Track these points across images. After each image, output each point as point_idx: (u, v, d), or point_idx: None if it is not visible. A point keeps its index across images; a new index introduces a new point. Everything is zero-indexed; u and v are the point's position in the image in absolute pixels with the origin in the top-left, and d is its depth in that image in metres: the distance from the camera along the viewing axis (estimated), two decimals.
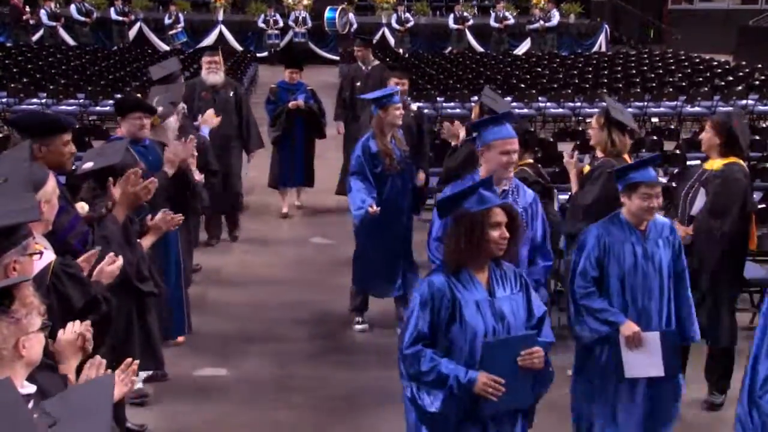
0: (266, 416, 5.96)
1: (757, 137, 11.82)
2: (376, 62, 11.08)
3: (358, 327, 7.40)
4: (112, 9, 25.94)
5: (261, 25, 27.15)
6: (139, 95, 9.52)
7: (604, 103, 16.11)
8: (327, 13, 25.94)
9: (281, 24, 27.10)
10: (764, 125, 13.69)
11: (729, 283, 6.08)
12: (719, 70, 20.32)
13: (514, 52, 26.21)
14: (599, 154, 6.14)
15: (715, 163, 5.95)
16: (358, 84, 10.71)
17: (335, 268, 8.88)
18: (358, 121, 9.57)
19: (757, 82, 18.13)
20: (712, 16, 29.85)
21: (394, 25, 27.34)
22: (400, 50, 25.60)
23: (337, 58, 25.58)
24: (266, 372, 6.66)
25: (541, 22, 27.27)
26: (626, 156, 6.08)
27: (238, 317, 7.70)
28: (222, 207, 9.22)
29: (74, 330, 3.34)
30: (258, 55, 26.34)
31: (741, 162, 6.02)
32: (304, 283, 8.59)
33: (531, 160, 6.54)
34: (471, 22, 27.65)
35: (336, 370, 6.72)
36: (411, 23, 27.52)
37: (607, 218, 5.03)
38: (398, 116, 7.01)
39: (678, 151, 10.88)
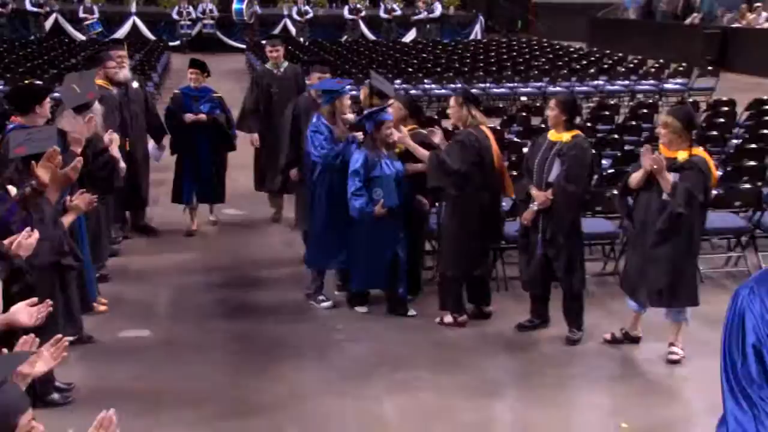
0: (187, 370, 5.87)
1: (607, 112, 12.23)
2: (287, 63, 9.66)
3: (325, 304, 7.03)
4: (27, 0, 24.95)
5: (175, 16, 26.60)
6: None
7: (482, 84, 16.74)
8: (235, 5, 25.69)
9: (194, 15, 26.61)
10: (612, 102, 14.18)
11: (579, 238, 6.32)
12: (575, 56, 20.88)
13: (402, 40, 26.48)
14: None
15: (564, 136, 6.14)
16: (273, 89, 9.06)
17: (246, 236, 8.85)
18: (276, 126, 8.52)
19: (606, 66, 18.74)
20: (569, 9, 30.65)
21: (295, 16, 27.24)
22: (301, 39, 25.46)
23: (244, 46, 25.51)
24: (186, 332, 6.55)
25: (425, 13, 27.77)
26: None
27: (160, 284, 7.55)
28: (128, 202, 8.41)
29: None
30: (170, 44, 25.75)
31: (582, 134, 6.27)
32: (218, 250, 8.48)
33: (416, 125, 6.92)
34: (363, 13, 27.94)
35: (252, 327, 6.65)
36: (310, 14, 27.53)
37: None
38: (348, 105, 6.97)
39: (543, 125, 11.12)
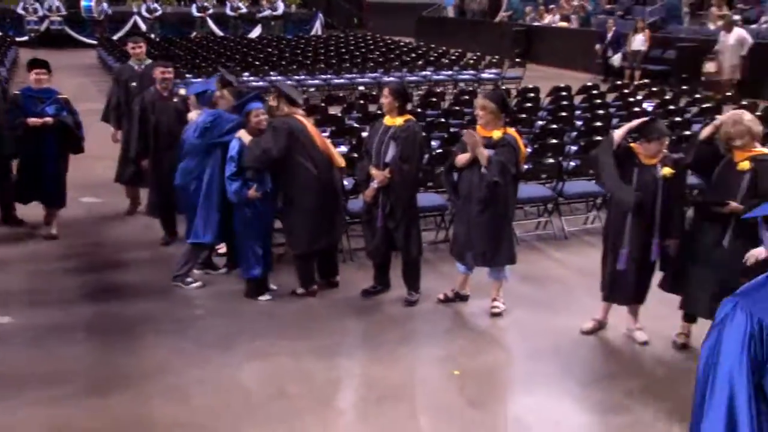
0: (51, 352, 5.55)
1: (434, 99, 12.50)
2: (149, 60, 9.06)
3: (194, 285, 6.76)
4: None
5: (20, 11, 24.88)
6: None
7: (324, 76, 16.71)
8: (83, 2, 24.41)
9: (41, 12, 24.99)
10: (438, 90, 14.53)
11: (415, 211, 6.45)
12: (405, 49, 21.20)
13: (249, 36, 25.91)
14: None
15: (397, 121, 6.23)
16: (133, 84, 8.46)
17: (106, 222, 8.46)
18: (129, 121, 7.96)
19: (432, 58, 19.18)
20: (398, 8, 31.18)
21: (144, 13, 26.14)
22: (152, 35, 24.46)
23: (95, 42, 24.28)
24: (48, 316, 6.17)
25: (269, 10, 27.34)
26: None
27: (18, 272, 7.08)
28: None
29: None
30: (18, 39, 24.04)
31: (413, 118, 6.39)
32: (78, 236, 8.02)
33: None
34: (211, 11, 27.22)
35: (115, 307, 6.36)
36: (159, 12, 26.51)
37: None
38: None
39: (379, 111, 11.22)
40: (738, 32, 16.21)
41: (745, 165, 5.19)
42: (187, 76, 15.41)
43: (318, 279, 6.72)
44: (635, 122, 5.60)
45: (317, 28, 28.70)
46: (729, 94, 14.03)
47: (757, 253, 4.92)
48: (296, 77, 16.69)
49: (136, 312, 6.28)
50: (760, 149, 5.30)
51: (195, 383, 5.17)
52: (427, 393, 5.11)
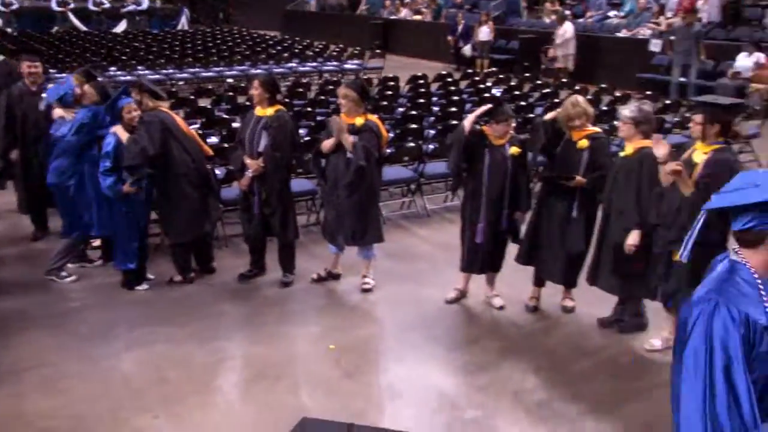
0: None
1: (301, 89, 12.38)
2: (1, 57, 8.57)
3: (68, 279, 6.44)
4: None
5: None
6: None
7: (192, 69, 16.15)
8: None
9: None
10: (305, 81, 14.43)
11: (289, 197, 6.36)
12: (272, 42, 20.86)
13: (113, 31, 24.63)
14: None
15: (268, 111, 6.12)
16: None
17: None
18: None
19: (297, 50, 18.97)
20: (264, 2, 30.53)
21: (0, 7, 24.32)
22: (8, 30, 22.79)
23: None
24: None
25: (134, 5, 26.08)
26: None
27: None
28: None
29: None
30: None
31: (283, 108, 6.30)
32: None
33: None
34: (72, 5, 25.58)
35: None
36: (15, 5, 24.72)
37: None
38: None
39: (249, 103, 10.99)
40: (567, 25, 17.04)
41: (584, 143, 5.49)
42: (51, 71, 14.52)
43: (195, 266, 6.53)
44: (482, 109, 5.76)
45: (183, 23, 27.66)
46: (564, 80, 14.73)
47: (632, 241, 5.16)
48: (164, 71, 16.09)
49: (10, 308, 5.88)
50: (593, 129, 5.61)
51: (73, 375, 4.89)
52: (305, 368, 5.08)
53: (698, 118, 4.76)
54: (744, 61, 13.78)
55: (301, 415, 3.31)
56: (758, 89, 13.23)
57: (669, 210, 4.77)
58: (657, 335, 5.33)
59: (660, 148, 4.68)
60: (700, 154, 4.72)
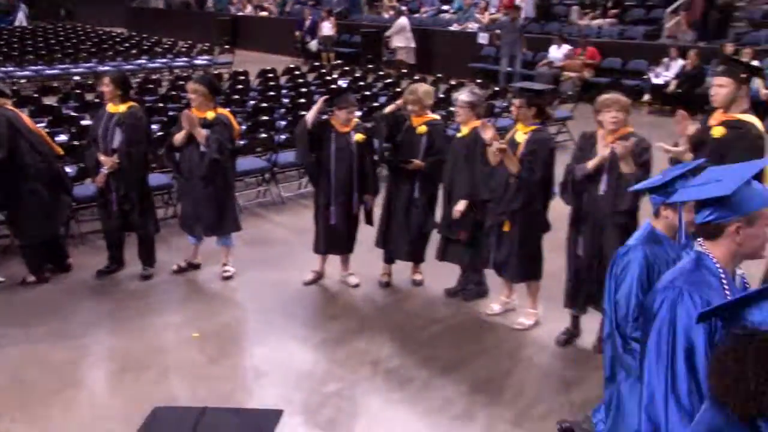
0: None
1: (151, 86, 11.86)
2: None
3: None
4: None
5: None
6: None
7: (34, 67, 14.97)
8: None
9: None
10: (155, 77, 13.85)
11: (147, 191, 6.09)
12: (119, 39, 19.81)
13: None
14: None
15: (120, 107, 5.83)
16: None
17: None
18: None
19: (146, 47, 18.14)
20: None
21: None
22: None
23: None
24: None
25: None
26: None
27: None
28: None
29: None
30: None
31: (136, 104, 6.03)
32: None
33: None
34: None
35: None
36: None
37: None
38: None
39: (98, 100, 10.38)
40: (402, 20, 17.42)
41: (423, 129, 5.66)
42: None
43: (49, 265, 6.11)
44: (322, 99, 5.79)
45: (21, 19, 25.51)
46: (405, 71, 15.08)
47: (459, 208, 5.36)
48: (3, 69, 14.80)
49: None
50: (432, 115, 5.79)
51: None
52: (170, 358, 4.91)
53: (517, 102, 5.07)
54: (555, 53, 14.85)
55: (171, 404, 3.21)
56: (570, 77, 14.22)
57: (498, 186, 5.05)
58: (496, 300, 5.61)
59: (486, 131, 4.92)
60: (521, 134, 5.02)
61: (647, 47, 14.42)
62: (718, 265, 2.35)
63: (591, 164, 4.52)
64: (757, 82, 11.52)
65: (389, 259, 6.06)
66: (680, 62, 13.06)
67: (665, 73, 13.19)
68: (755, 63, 11.17)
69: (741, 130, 4.36)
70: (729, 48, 12.40)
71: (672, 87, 12.89)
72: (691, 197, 2.42)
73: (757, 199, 2.32)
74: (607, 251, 4.45)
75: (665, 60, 13.33)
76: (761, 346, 1.74)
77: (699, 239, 2.43)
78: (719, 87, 4.44)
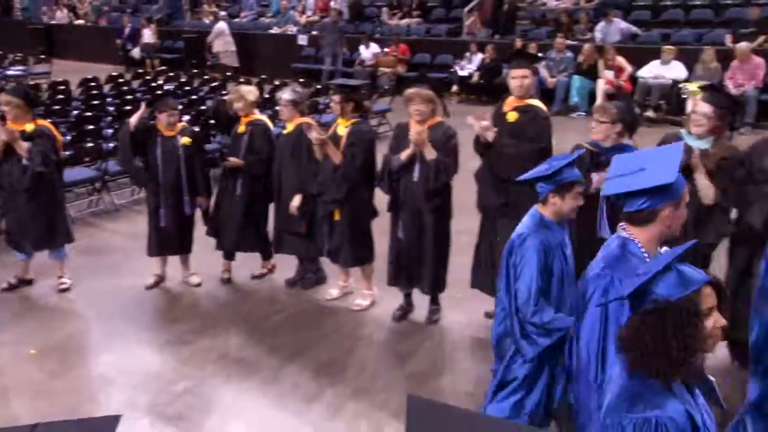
0: None
1: None
2: None
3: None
4: None
5: None
6: None
7: None
8: None
9: None
10: (35, 82, 12.57)
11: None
12: None
13: None
14: None
15: None
16: None
17: None
18: None
19: None
20: None
21: None
22: None
23: None
24: None
25: None
26: None
27: None
28: None
29: None
30: None
31: None
32: None
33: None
34: None
35: None
36: None
37: None
38: None
39: None
40: (221, 24, 16.99)
41: (243, 129, 5.60)
42: None
43: None
44: (143, 107, 5.57)
45: None
46: (229, 74, 14.74)
47: (295, 203, 5.35)
48: None
49: None
50: (257, 116, 5.74)
51: None
52: (7, 377, 4.49)
53: (336, 98, 5.18)
54: (365, 52, 15.32)
55: (11, 424, 2.95)
56: (385, 72, 14.68)
57: (325, 178, 5.13)
58: (334, 285, 5.70)
59: (311, 131, 4.99)
60: (342, 128, 5.14)
61: (451, 43, 15.21)
62: (642, 250, 2.37)
63: (404, 155, 4.74)
64: (544, 72, 12.62)
65: (228, 255, 5.95)
66: (480, 56, 13.92)
67: (469, 66, 14.00)
68: (540, 55, 12.20)
69: (531, 114, 4.74)
70: (518, 42, 13.42)
71: (475, 78, 13.71)
72: (633, 188, 2.34)
73: (682, 182, 2.35)
74: (427, 234, 4.82)
75: (467, 54, 14.14)
76: (677, 315, 1.78)
77: (622, 224, 2.42)
78: (523, 78, 4.66)
